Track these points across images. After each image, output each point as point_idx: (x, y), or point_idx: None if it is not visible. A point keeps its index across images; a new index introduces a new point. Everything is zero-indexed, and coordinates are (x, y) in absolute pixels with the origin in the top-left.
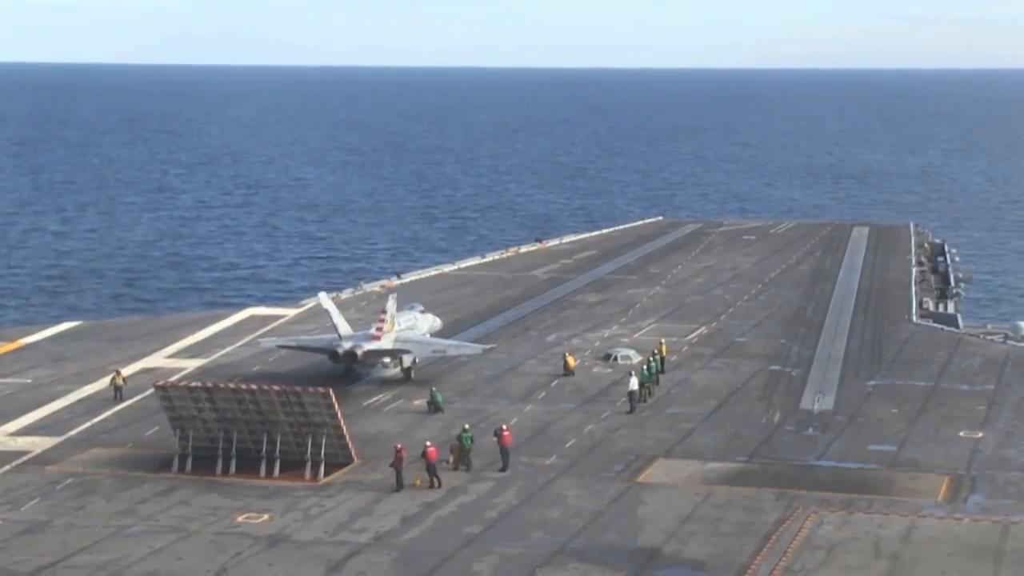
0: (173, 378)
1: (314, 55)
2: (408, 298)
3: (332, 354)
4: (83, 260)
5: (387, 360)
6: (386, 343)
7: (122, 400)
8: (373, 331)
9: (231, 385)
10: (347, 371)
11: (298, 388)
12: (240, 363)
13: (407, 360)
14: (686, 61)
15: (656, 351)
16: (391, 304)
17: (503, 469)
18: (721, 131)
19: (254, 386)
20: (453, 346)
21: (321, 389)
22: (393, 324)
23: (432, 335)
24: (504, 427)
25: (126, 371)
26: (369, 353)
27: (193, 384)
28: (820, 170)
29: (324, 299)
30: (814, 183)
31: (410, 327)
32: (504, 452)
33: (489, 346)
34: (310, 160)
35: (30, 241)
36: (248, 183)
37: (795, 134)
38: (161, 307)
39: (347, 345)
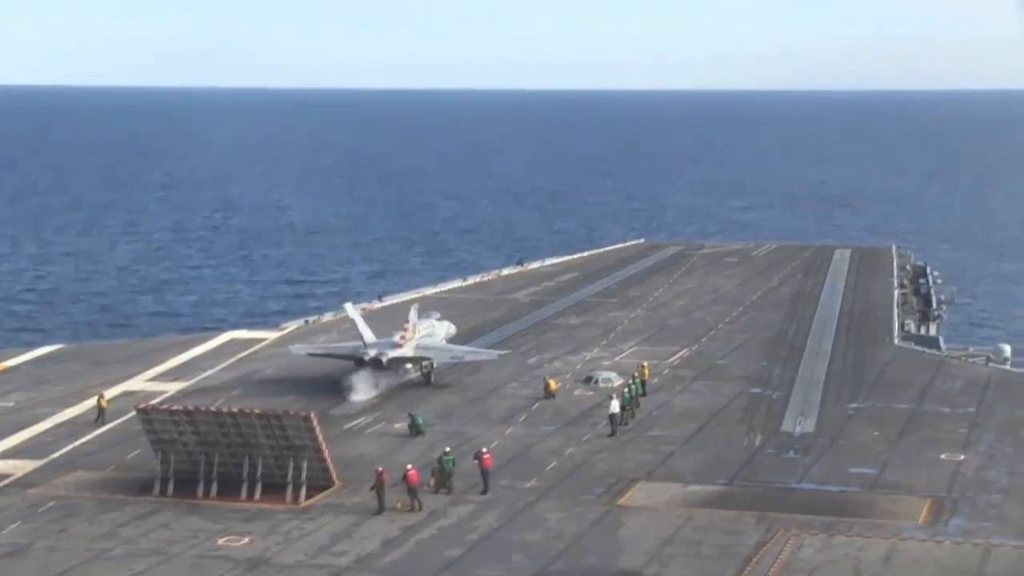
0: (154, 401)
1: (297, 78)
2: (390, 318)
3: (359, 361)
4: (57, 285)
5: (408, 366)
6: (408, 350)
7: (104, 423)
8: (396, 339)
9: (212, 408)
10: (368, 376)
11: (279, 412)
12: (221, 386)
13: (427, 366)
14: (672, 83)
15: (636, 374)
16: (413, 313)
17: (484, 492)
18: (704, 153)
19: (235, 409)
20: (470, 352)
21: (302, 413)
22: (415, 332)
23: (448, 340)
24: (484, 450)
25: (108, 394)
26: (393, 360)
27: (174, 408)
28: (803, 192)
29: (350, 309)
30: (796, 206)
31: (429, 334)
32: (484, 475)
33: (504, 351)
34: (289, 183)
35: (3, 265)
36: (226, 206)
37: (778, 156)
38: (134, 332)
39: (372, 352)
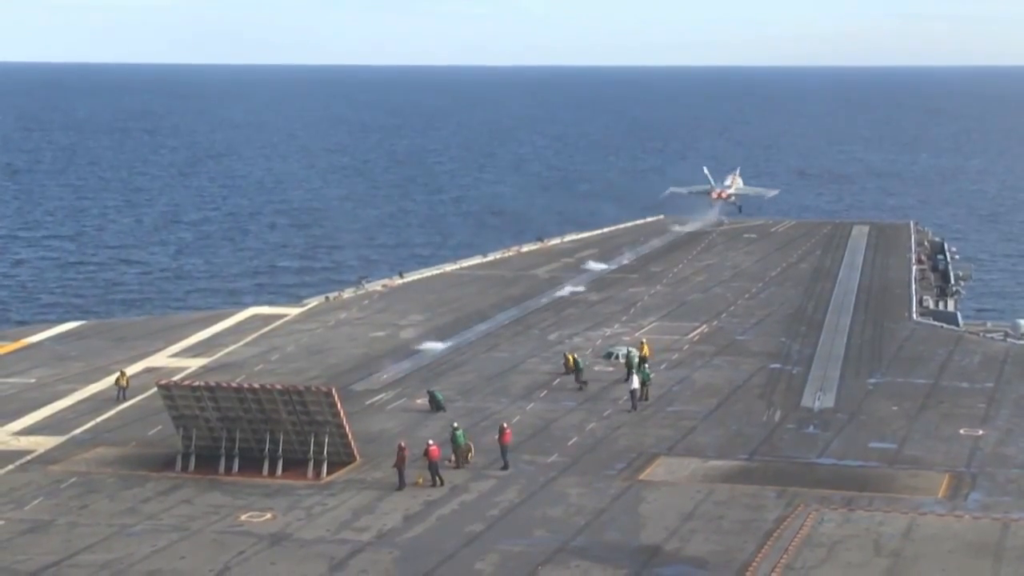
0: (176, 377)
1: (314, 54)
2: (408, 296)
3: (707, 194)
4: (62, 263)
5: (733, 199)
6: (733, 189)
7: (125, 400)
8: (728, 182)
9: (233, 384)
10: (710, 206)
11: (300, 387)
12: (243, 362)
13: (740, 199)
14: (686, 59)
15: (632, 350)
16: (736, 172)
17: (504, 467)
18: (719, 129)
19: (256, 385)
20: (768, 190)
21: (324, 387)
22: (736, 181)
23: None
24: (505, 425)
25: (130, 371)
26: (728, 194)
27: (195, 383)
28: (819, 168)
29: (706, 170)
30: (813, 182)
31: (739, 185)
32: (504, 450)
33: (776, 191)
34: (304, 160)
35: (11, 243)
36: (240, 184)
37: (793, 132)
38: (142, 311)
39: (717, 188)
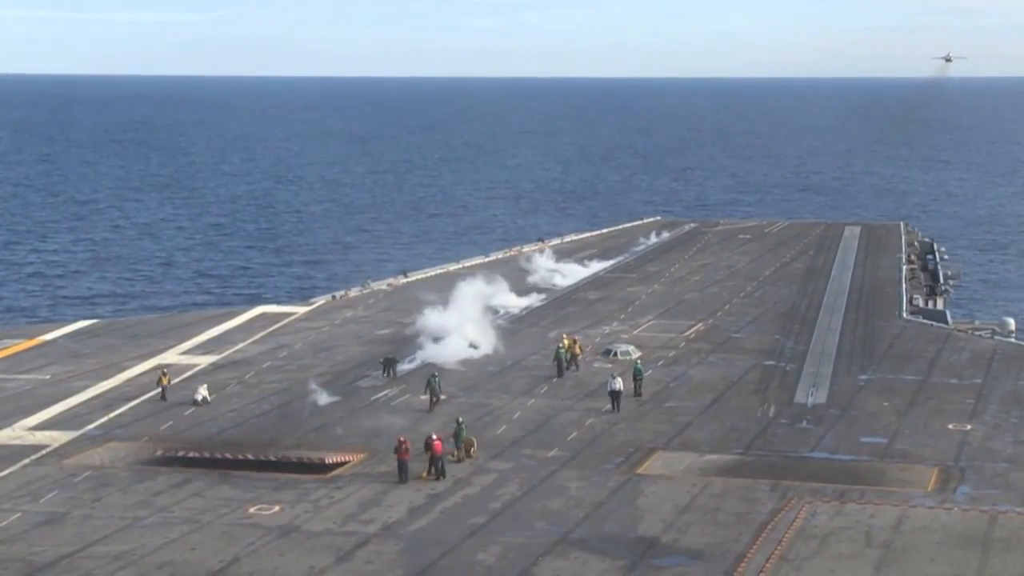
0: (185, 375)
1: (322, 67)
2: (412, 295)
3: (944, 60)
4: (75, 264)
5: (950, 60)
6: (950, 57)
7: (166, 399)
8: (950, 55)
9: (227, 456)
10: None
11: (293, 459)
12: (251, 359)
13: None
14: (681, 71)
15: (561, 346)
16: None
17: (439, 478)
18: (714, 139)
19: (251, 456)
20: (961, 56)
21: (316, 459)
22: (950, 53)
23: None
24: (434, 436)
25: (141, 368)
26: (951, 58)
27: (192, 455)
28: (811, 176)
29: (941, 56)
30: (805, 190)
31: (951, 55)
32: (433, 460)
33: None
34: (305, 169)
35: (22, 245)
36: (245, 190)
37: (786, 142)
38: (149, 310)
39: (946, 57)
